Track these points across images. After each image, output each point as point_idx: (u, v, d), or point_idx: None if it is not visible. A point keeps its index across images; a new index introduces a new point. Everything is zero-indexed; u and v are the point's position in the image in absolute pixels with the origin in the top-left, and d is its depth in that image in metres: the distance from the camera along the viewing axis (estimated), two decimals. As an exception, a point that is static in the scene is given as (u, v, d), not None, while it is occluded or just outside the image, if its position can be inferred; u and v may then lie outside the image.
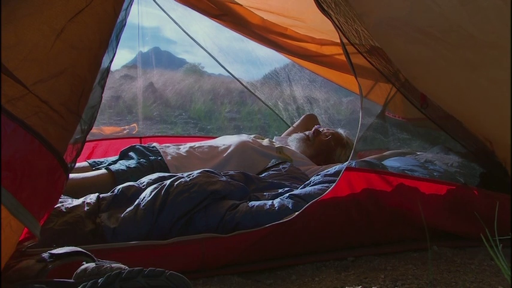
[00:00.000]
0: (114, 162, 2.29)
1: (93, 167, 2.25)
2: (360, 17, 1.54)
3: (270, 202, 1.64)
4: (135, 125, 3.43)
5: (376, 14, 1.41)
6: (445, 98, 1.53)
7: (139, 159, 2.24)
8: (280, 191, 1.84)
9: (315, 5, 1.59)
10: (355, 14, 1.58)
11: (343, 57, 1.90)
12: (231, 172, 1.95)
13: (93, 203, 1.57)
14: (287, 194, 1.71)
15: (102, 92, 1.24)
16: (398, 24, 1.36)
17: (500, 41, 1.22)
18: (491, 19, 1.23)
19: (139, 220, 1.49)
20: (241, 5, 2.53)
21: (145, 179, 1.78)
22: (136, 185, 1.71)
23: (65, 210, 1.50)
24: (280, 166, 2.21)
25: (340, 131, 2.78)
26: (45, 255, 1.10)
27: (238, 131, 5.74)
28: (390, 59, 1.60)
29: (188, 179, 1.66)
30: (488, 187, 1.70)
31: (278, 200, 1.67)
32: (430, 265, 1.40)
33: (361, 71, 1.71)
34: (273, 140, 2.78)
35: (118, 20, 1.19)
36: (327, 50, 2.73)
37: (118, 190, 1.66)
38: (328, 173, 1.87)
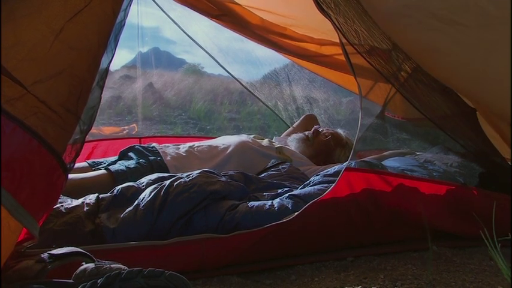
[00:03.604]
0: (114, 162, 2.29)
1: (93, 167, 2.25)
2: (367, 11, 1.50)
3: (269, 202, 1.64)
4: (134, 125, 3.44)
5: (387, 4, 1.37)
6: (462, 85, 1.49)
7: (139, 159, 2.24)
8: (279, 191, 1.84)
9: (314, 5, 1.59)
10: (362, 10, 1.55)
11: (342, 57, 1.90)
12: (231, 172, 1.95)
13: (93, 203, 1.57)
14: (287, 194, 1.71)
15: (101, 93, 1.24)
16: (410, 12, 1.31)
17: None
18: None
19: (138, 220, 1.49)
20: (241, 5, 2.53)
21: (144, 180, 1.78)
22: (136, 186, 1.71)
23: (64, 211, 1.50)
24: (280, 166, 2.21)
25: (340, 131, 2.78)
26: (45, 255, 1.10)
27: (238, 131, 5.74)
28: (403, 49, 1.54)
29: (188, 179, 1.66)
30: (487, 187, 1.70)
31: (278, 200, 1.67)
32: (429, 265, 1.40)
33: (360, 71, 1.71)
34: (273, 140, 2.78)
35: (117, 21, 1.19)
36: (326, 50, 2.73)
37: (117, 190, 1.66)
38: (328, 173, 1.87)
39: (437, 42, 1.32)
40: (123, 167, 2.13)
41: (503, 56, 1.24)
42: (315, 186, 1.76)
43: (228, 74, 3.27)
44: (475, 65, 1.33)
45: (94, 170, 2.17)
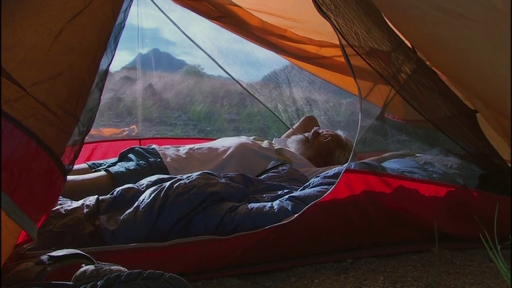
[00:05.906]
0: (114, 164, 2.29)
1: (93, 168, 2.25)
2: (374, 2, 1.48)
3: (269, 204, 1.64)
4: (134, 126, 3.43)
5: None
6: (467, 80, 1.47)
7: (139, 161, 2.24)
8: (279, 192, 1.84)
9: (314, 7, 1.59)
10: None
11: (342, 59, 1.90)
12: (231, 174, 1.95)
13: (93, 205, 1.57)
14: (286, 196, 1.71)
15: (101, 94, 1.23)
16: (417, 3, 1.31)
17: None
18: None
19: (138, 222, 1.49)
20: (241, 7, 2.53)
21: (144, 181, 1.78)
22: (136, 187, 1.71)
23: (64, 213, 1.49)
24: (280, 168, 2.21)
25: (340, 132, 2.78)
26: (44, 257, 1.10)
27: (237, 132, 5.75)
28: (408, 41, 1.51)
29: (187, 181, 1.65)
30: (487, 189, 1.70)
31: (277, 202, 1.67)
32: (435, 267, 1.40)
33: (360, 73, 1.71)
34: (273, 142, 2.78)
35: (117, 22, 1.19)
36: (326, 52, 2.73)
37: (117, 192, 1.66)
38: (328, 174, 1.87)
39: (442, 35, 1.30)
40: (123, 169, 2.13)
41: (507, 52, 1.23)
42: (315, 188, 1.76)
43: (228, 76, 3.27)
44: (479, 61, 1.31)
45: (94, 172, 2.17)
